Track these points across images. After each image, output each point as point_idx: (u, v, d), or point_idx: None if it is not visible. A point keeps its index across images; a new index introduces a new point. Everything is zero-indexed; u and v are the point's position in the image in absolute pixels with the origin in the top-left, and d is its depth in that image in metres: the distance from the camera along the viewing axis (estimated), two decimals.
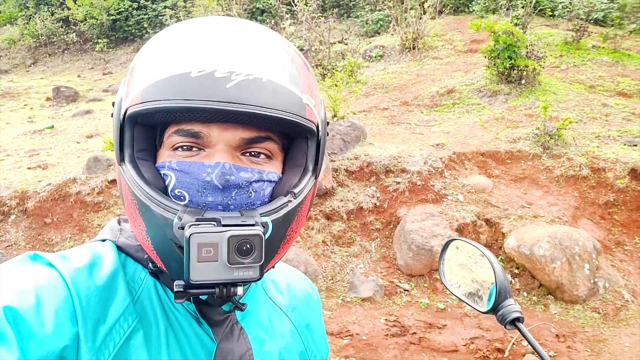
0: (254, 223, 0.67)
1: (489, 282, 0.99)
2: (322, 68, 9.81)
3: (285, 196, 0.74)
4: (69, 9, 16.48)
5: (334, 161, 6.16)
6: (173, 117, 0.70)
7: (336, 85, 7.28)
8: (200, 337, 0.78)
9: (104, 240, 0.81)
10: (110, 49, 16.51)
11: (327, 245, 5.46)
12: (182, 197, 0.71)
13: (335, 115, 7.31)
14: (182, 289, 0.67)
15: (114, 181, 5.71)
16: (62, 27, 16.83)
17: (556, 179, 6.06)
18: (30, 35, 16.56)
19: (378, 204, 5.78)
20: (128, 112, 0.70)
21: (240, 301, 0.81)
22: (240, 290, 0.68)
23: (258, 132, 0.72)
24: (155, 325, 0.75)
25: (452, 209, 5.57)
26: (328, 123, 0.85)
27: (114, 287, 0.73)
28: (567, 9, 10.32)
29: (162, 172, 0.72)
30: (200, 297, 0.77)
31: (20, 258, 0.70)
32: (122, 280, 0.74)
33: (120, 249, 0.79)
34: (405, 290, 5.01)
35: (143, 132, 0.73)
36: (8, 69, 16.12)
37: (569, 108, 7.41)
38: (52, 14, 16.93)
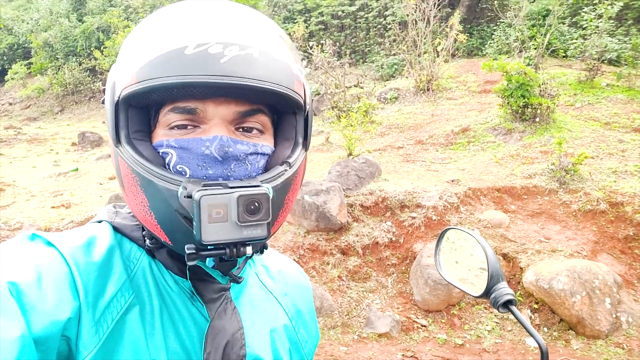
0: (259, 184, 0.71)
1: (483, 268, 1.02)
2: (338, 110, 10.01)
3: (281, 166, 0.78)
4: (95, 59, 17.23)
5: (349, 196, 6.21)
6: (169, 96, 0.72)
7: (351, 126, 7.42)
8: (193, 315, 0.80)
9: (100, 222, 0.83)
10: None
11: (343, 280, 5.44)
12: (183, 173, 0.73)
13: (350, 154, 7.42)
14: (194, 251, 0.69)
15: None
16: (89, 77, 17.59)
17: (574, 213, 6.00)
18: (58, 85, 17.29)
19: (394, 239, 5.77)
20: (124, 93, 0.72)
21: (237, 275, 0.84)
22: (249, 249, 0.70)
23: (251, 105, 0.75)
24: (150, 303, 0.76)
25: None
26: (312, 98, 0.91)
27: (111, 263, 0.75)
28: (580, 49, 10.45)
29: (160, 151, 0.75)
30: (206, 260, 0.80)
31: (19, 238, 0.72)
32: (118, 258, 0.77)
33: (116, 229, 0.82)
34: (422, 325, 4.93)
35: (137, 114, 0.75)
36: (37, 116, 16.78)
37: (584, 144, 7.40)
38: (80, 64, 17.76)
